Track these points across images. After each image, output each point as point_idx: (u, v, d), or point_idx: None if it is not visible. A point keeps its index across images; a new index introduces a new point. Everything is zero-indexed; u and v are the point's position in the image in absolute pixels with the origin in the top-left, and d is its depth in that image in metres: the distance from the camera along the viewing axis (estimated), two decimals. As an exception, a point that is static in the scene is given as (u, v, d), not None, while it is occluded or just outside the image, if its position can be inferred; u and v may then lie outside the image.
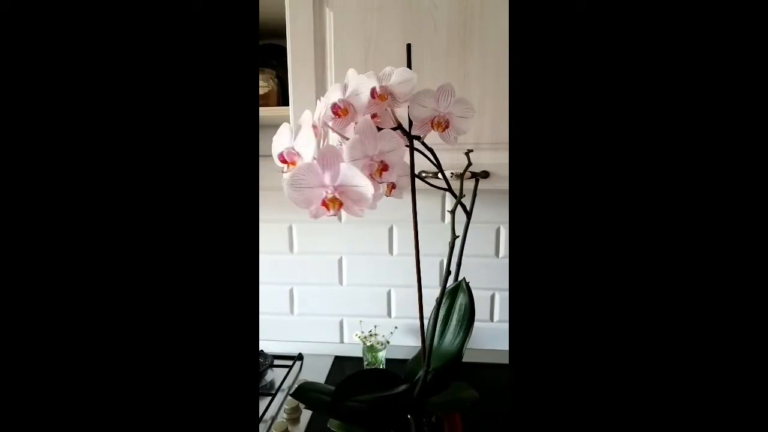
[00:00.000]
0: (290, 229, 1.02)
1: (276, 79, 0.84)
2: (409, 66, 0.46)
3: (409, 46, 0.47)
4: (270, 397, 0.85)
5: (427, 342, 0.54)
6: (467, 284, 0.62)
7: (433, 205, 0.97)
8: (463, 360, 0.59)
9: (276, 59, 0.86)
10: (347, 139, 0.45)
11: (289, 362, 0.98)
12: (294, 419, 0.80)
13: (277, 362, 0.98)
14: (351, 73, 0.46)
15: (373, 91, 0.44)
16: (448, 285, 0.53)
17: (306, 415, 0.81)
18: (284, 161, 0.43)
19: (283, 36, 0.67)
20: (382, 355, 0.93)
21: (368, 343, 0.94)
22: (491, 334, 1.02)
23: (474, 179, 0.54)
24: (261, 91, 0.81)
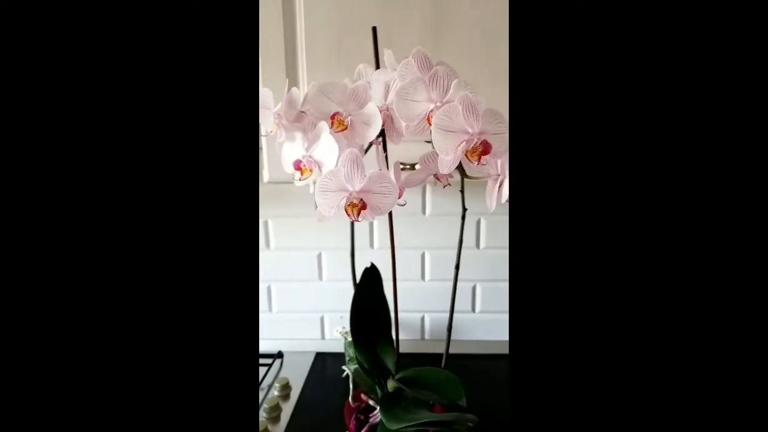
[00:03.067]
0: (266, 224, 1.00)
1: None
2: (376, 50, 0.44)
3: (374, 29, 0.45)
4: (249, 397, 0.83)
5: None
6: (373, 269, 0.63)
7: (413, 198, 0.95)
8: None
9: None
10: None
11: (269, 360, 0.96)
12: (274, 418, 0.78)
13: (256, 361, 0.96)
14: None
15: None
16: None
17: (286, 413, 0.80)
18: (299, 169, 0.46)
19: (252, 21, 0.65)
20: (363, 350, 0.92)
21: (349, 339, 0.92)
22: (473, 326, 1.02)
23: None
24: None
